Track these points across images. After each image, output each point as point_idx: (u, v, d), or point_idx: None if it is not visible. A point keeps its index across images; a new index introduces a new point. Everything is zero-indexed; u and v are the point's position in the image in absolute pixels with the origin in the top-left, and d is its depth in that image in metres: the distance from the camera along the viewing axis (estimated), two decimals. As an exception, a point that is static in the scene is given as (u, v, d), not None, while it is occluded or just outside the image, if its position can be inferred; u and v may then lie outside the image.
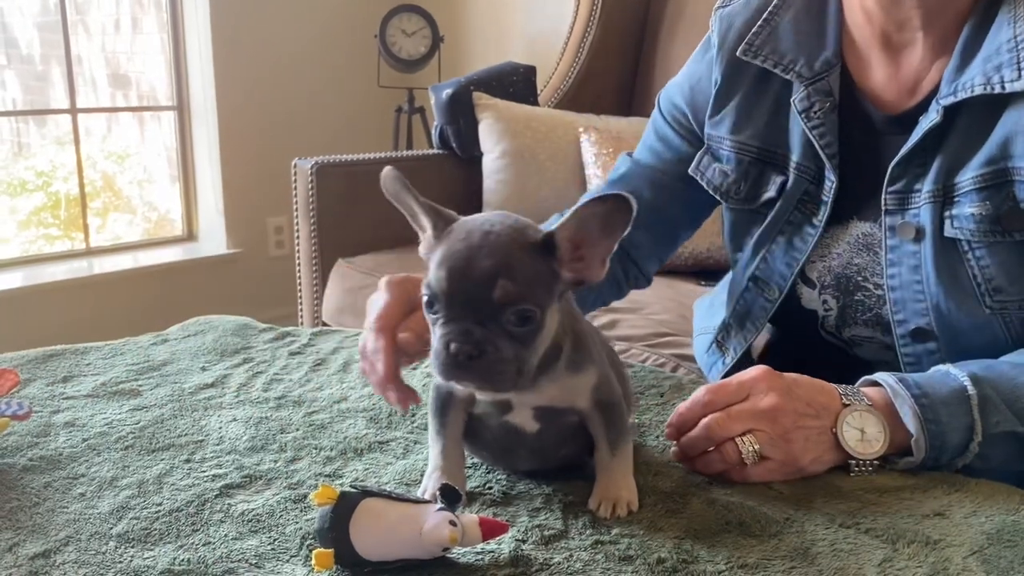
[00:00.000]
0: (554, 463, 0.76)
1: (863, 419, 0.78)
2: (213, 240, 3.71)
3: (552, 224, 0.66)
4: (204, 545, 0.67)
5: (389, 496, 0.64)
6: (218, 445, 0.84)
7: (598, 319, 1.85)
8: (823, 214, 1.01)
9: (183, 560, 0.65)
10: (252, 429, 0.87)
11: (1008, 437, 0.79)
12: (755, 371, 0.79)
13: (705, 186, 1.10)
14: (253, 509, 0.72)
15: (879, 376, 0.81)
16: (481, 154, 2.66)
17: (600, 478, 0.72)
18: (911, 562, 0.65)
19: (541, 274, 0.64)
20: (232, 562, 0.65)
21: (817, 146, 0.99)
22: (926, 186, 0.93)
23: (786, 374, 0.80)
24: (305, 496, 0.74)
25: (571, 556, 0.65)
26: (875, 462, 0.78)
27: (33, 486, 0.76)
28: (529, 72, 2.84)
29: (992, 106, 0.89)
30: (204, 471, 0.78)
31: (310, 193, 2.48)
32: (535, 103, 2.83)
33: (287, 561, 0.65)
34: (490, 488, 0.76)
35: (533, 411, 0.71)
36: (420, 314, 0.74)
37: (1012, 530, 0.69)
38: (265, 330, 1.16)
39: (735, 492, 0.75)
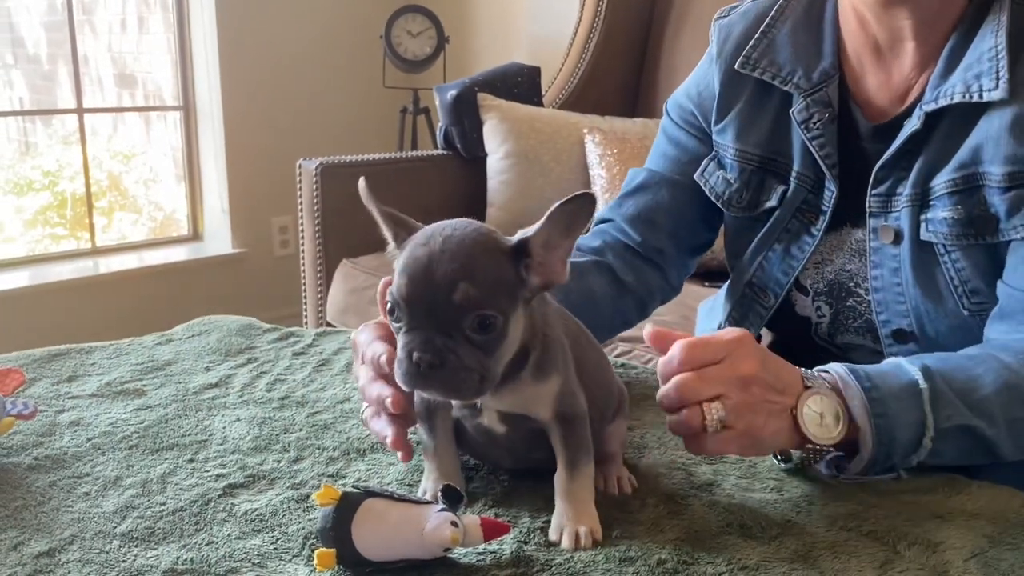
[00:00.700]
0: (529, 464, 0.75)
1: (823, 403, 0.75)
2: (218, 240, 3.72)
3: (527, 232, 0.65)
4: (207, 545, 0.67)
5: (391, 496, 0.64)
6: (222, 445, 0.84)
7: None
8: (822, 223, 1.02)
9: (186, 559, 0.65)
10: (256, 429, 0.87)
11: (961, 431, 0.77)
12: (734, 333, 0.76)
13: (708, 193, 1.10)
14: (256, 509, 0.72)
15: (831, 366, 0.79)
16: (485, 155, 2.67)
17: (559, 504, 0.69)
18: (912, 564, 0.65)
19: (504, 279, 0.64)
20: (235, 562, 0.65)
21: (817, 156, 1.00)
22: (906, 189, 0.94)
23: (759, 345, 0.78)
24: (308, 496, 0.74)
25: (572, 557, 0.65)
26: (829, 450, 0.76)
27: (38, 485, 0.76)
28: (534, 73, 2.85)
29: (971, 113, 0.90)
30: (208, 471, 0.79)
31: (315, 193, 2.49)
32: (539, 104, 2.83)
33: (289, 561, 0.65)
34: (492, 489, 0.76)
35: (498, 415, 0.70)
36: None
37: (1013, 533, 0.69)
38: (269, 330, 1.16)
39: (736, 494, 0.75)
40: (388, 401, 0.73)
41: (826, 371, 0.79)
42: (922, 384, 0.77)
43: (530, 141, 2.61)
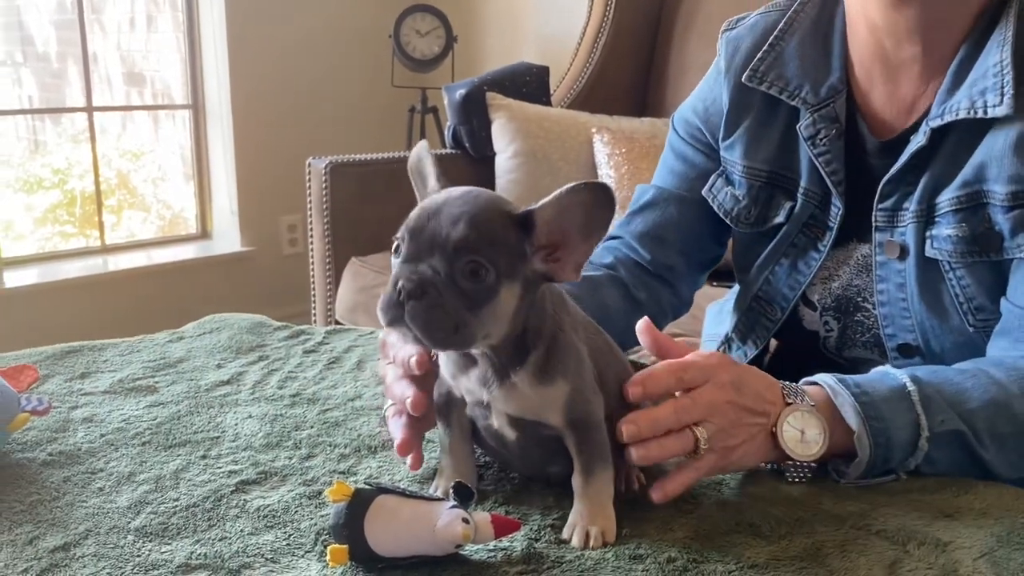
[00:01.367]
0: (545, 477, 0.75)
1: (804, 420, 0.76)
2: (227, 238, 3.73)
3: (533, 205, 0.66)
4: (220, 540, 0.68)
5: (403, 493, 0.65)
6: (234, 441, 0.85)
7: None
8: (828, 239, 1.02)
9: (200, 555, 0.66)
10: (267, 426, 0.88)
11: (954, 438, 0.78)
12: (714, 357, 0.76)
13: (716, 209, 1.09)
14: (268, 505, 0.73)
15: (819, 377, 0.80)
16: (494, 154, 2.67)
17: (575, 505, 0.69)
18: (921, 564, 0.65)
19: (508, 243, 0.64)
20: (248, 557, 0.66)
21: (823, 173, 0.99)
22: (912, 205, 0.94)
23: (738, 364, 0.78)
24: (320, 492, 0.75)
25: (582, 554, 0.66)
26: (812, 465, 0.77)
27: (52, 480, 0.77)
28: (542, 72, 2.85)
29: (976, 130, 0.89)
30: (220, 467, 0.79)
31: (324, 192, 2.50)
32: (548, 103, 2.83)
33: (302, 557, 0.66)
34: (503, 487, 0.76)
35: (508, 419, 0.70)
36: None
37: (1022, 532, 0.69)
38: (280, 328, 1.17)
39: (745, 493, 0.76)
40: (409, 402, 0.74)
41: (814, 382, 0.80)
42: (910, 387, 0.78)
43: (539, 140, 2.62)
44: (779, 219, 1.05)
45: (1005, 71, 0.87)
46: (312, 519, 0.71)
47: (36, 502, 0.73)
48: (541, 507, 0.73)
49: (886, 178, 0.95)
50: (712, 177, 1.10)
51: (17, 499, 0.73)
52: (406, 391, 0.75)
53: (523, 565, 0.65)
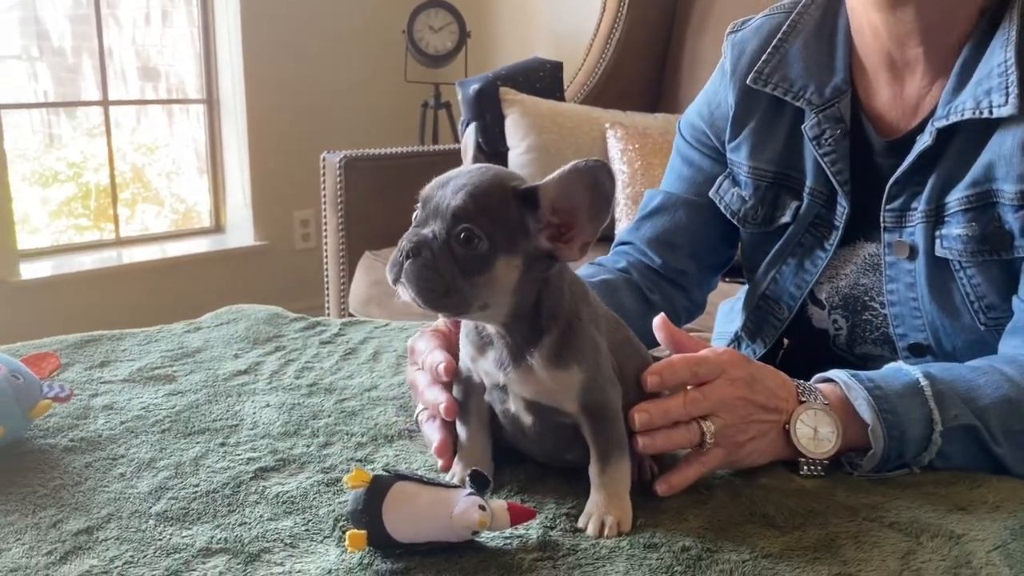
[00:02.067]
0: (562, 464, 0.76)
1: (817, 418, 0.77)
2: (240, 232, 3.75)
3: (538, 182, 0.67)
4: (240, 525, 0.69)
5: (420, 480, 0.66)
6: (252, 430, 0.86)
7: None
8: (835, 238, 1.02)
9: (220, 539, 0.67)
10: (285, 415, 0.89)
11: (967, 433, 0.78)
12: (729, 353, 0.77)
13: (723, 210, 1.10)
14: (287, 491, 0.74)
15: (832, 373, 0.81)
16: (507, 149, 2.68)
17: (592, 494, 0.70)
18: (935, 555, 0.65)
19: (506, 216, 0.66)
20: (267, 542, 0.66)
21: (829, 172, 1.00)
22: (921, 205, 0.94)
23: (752, 361, 0.79)
24: (337, 480, 0.76)
25: (597, 542, 0.67)
26: (825, 462, 0.78)
27: (74, 466, 0.78)
28: (556, 68, 2.85)
29: (984, 129, 0.89)
30: (239, 454, 0.80)
31: (338, 186, 2.51)
32: (562, 99, 2.83)
33: (320, 542, 0.67)
34: (518, 476, 0.77)
35: (524, 403, 0.71)
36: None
37: (1035, 526, 0.69)
38: (296, 319, 1.18)
39: (759, 485, 0.76)
40: (442, 407, 0.75)
41: (828, 379, 0.81)
42: (923, 382, 0.79)
43: (552, 135, 2.62)
44: (785, 219, 1.05)
45: (1010, 71, 0.87)
46: (330, 505, 0.72)
47: (59, 486, 0.74)
48: (556, 496, 0.73)
49: (893, 179, 0.95)
50: (719, 179, 1.11)
51: (40, 483, 0.75)
52: (439, 397, 0.77)
53: (539, 552, 0.65)
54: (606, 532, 0.68)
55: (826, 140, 0.99)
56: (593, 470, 0.71)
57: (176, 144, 3.88)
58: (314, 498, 0.73)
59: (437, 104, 3.56)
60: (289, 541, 0.67)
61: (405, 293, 0.67)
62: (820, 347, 1.09)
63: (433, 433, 0.78)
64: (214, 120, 3.72)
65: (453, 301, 0.66)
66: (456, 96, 2.85)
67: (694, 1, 2.88)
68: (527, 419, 0.72)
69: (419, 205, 0.69)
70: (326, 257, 2.64)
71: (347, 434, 0.85)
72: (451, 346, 0.79)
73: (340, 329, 1.15)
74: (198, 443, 0.83)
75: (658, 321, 0.79)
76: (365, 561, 0.64)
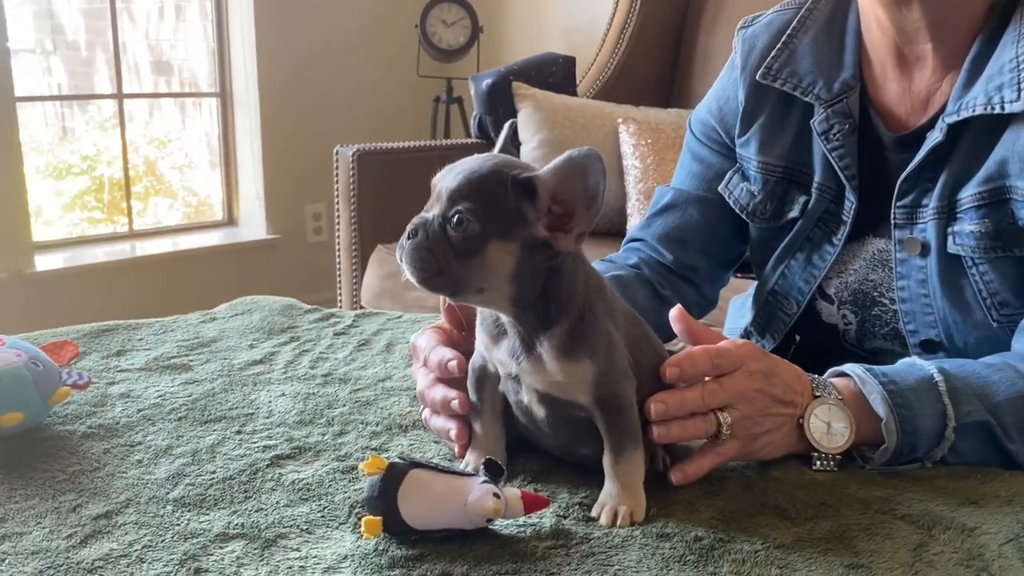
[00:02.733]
0: (576, 459, 0.76)
1: (831, 413, 0.78)
2: (253, 225, 3.77)
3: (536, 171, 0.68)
4: (256, 511, 0.69)
5: (436, 468, 0.66)
6: (268, 418, 0.86)
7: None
8: (843, 233, 1.02)
9: (237, 524, 0.67)
10: (300, 404, 0.90)
11: (980, 430, 0.78)
12: (747, 346, 0.77)
13: (732, 205, 1.10)
14: (303, 479, 0.74)
15: (847, 367, 0.81)
16: (519, 144, 2.68)
17: (606, 484, 0.71)
18: (947, 548, 0.65)
19: (498, 202, 0.67)
20: (284, 528, 0.67)
21: (836, 167, 1.00)
22: (932, 202, 0.94)
23: (769, 355, 0.79)
24: (353, 468, 0.76)
25: (610, 532, 0.67)
26: (838, 457, 0.78)
27: (93, 452, 0.79)
28: (568, 62, 2.85)
29: (995, 125, 0.89)
30: (255, 442, 0.81)
31: (351, 179, 2.52)
32: (574, 93, 2.84)
33: (336, 528, 0.67)
34: (531, 466, 0.77)
35: (537, 395, 0.72)
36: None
37: (1048, 519, 0.69)
38: (310, 311, 1.18)
39: (771, 476, 0.77)
40: (455, 403, 0.76)
41: (842, 372, 0.81)
42: (937, 377, 0.79)
43: (564, 130, 2.62)
44: (794, 213, 1.06)
45: (1021, 66, 0.87)
46: (346, 492, 0.72)
47: (78, 472, 0.75)
48: (570, 486, 0.74)
49: (903, 175, 0.95)
50: (728, 174, 1.11)
51: (60, 468, 0.76)
52: (448, 394, 0.77)
53: (552, 540, 0.66)
54: (619, 521, 0.68)
55: (834, 135, 1.00)
56: (607, 460, 0.71)
57: (189, 138, 3.89)
58: (330, 485, 0.74)
59: (449, 99, 3.57)
60: (305, 527, 0.67)
61: (403, 269, 0.69)
62: (830, 342, 1.10)
63: (446, 423, 0.79)
64: (227, 114, 3.74)
65: (446, 281, 0.68)
66: (468, 91, 2.85)
67: (707, -4, 2.87)
68: (540, 411, 0.73)
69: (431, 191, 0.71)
70: (338, 251, 2.65)
71: (362, 423, 0.86)
72: (452, 343, 0.80)
73: (354, 321, 1.16)
74: (214, 431, 0.84)
75: (675, 312, 0.79)
76: (380, 547, 0.64)
